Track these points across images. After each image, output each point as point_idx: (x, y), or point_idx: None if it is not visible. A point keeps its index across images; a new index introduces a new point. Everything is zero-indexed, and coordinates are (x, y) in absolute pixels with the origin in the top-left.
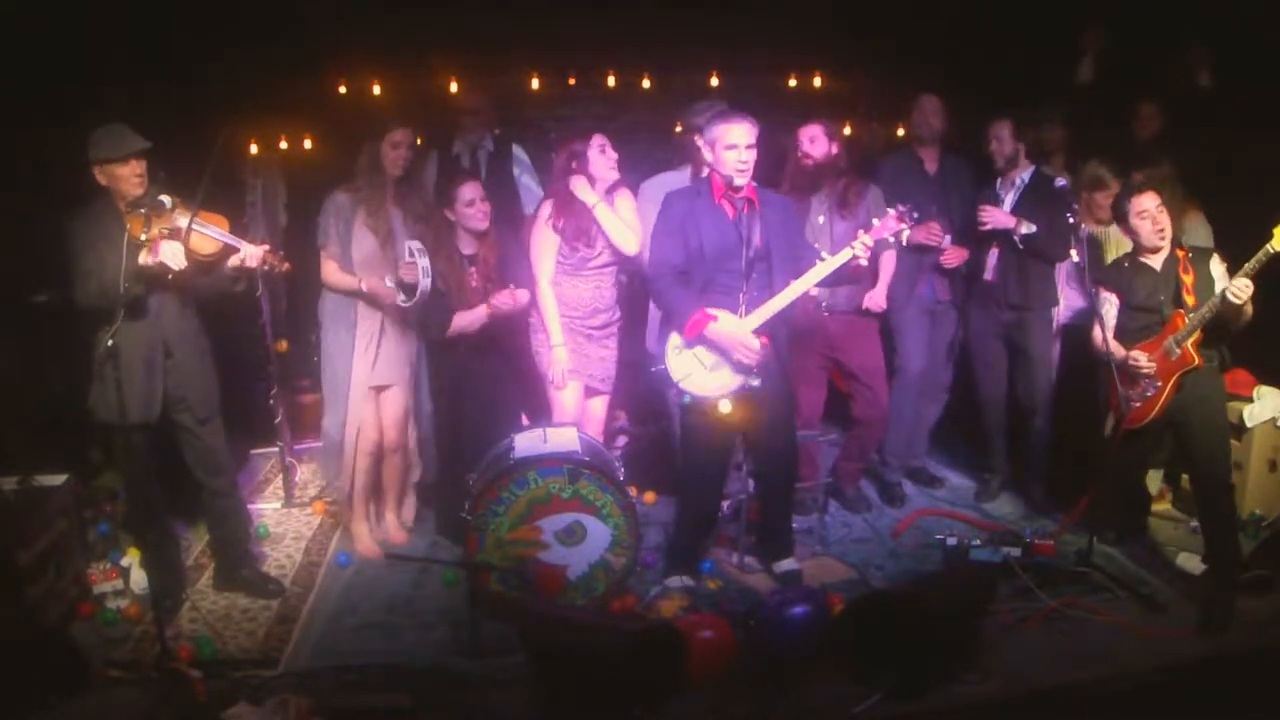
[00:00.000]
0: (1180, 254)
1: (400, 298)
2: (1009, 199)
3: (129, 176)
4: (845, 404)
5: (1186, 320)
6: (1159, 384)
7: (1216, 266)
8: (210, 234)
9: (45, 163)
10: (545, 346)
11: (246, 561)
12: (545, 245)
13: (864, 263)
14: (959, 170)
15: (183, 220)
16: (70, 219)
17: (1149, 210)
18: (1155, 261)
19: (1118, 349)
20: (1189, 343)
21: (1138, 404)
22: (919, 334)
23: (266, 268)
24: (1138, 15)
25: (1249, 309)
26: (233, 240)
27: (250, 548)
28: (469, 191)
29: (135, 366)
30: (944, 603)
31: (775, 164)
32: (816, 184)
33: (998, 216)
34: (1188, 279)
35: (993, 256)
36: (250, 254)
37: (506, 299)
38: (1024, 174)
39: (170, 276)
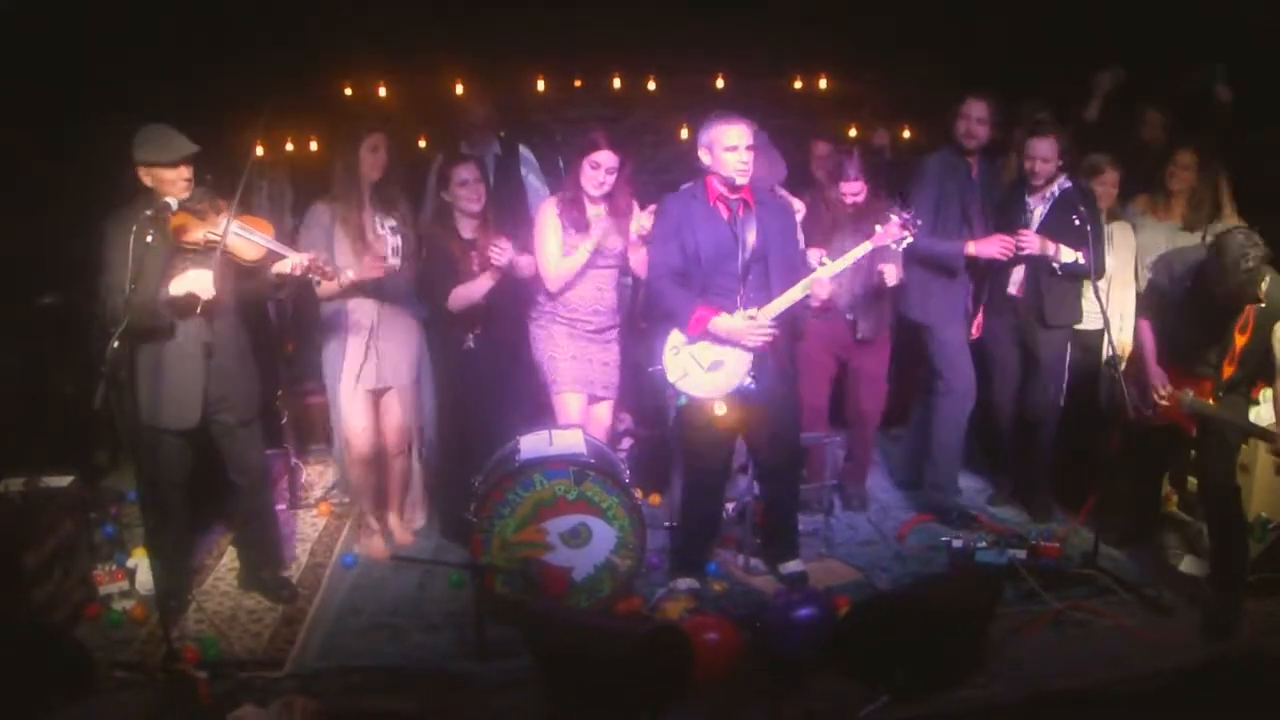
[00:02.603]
0: (1248, 309)
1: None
2: (1040, 211)
3: (176, 180)
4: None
5: (1214, 401)
6: (1160, 412)
7: None
8: (255, 240)
9: (53, 163)
10: (547, 355)
11: (269, 563)
12: (549, 226)
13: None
14: (994, 175)
15: (223, 224)
16: (107, 219)
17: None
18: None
19: (1152, 365)
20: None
21: (1148, 414)
22: (963, 351)
23: (312, 275)
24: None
25: None
26: (277, 246)
27: (276, 551)
28: (463, 172)
29: (176, 370)
30: (949, 605)
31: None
32: (858, 224)
33: (1035, 243)
34: (1240, 339)
35: (1019, 271)
36: (295, 261)
37: (505, 253)
38: (1056, 186)
39: (199, 310)
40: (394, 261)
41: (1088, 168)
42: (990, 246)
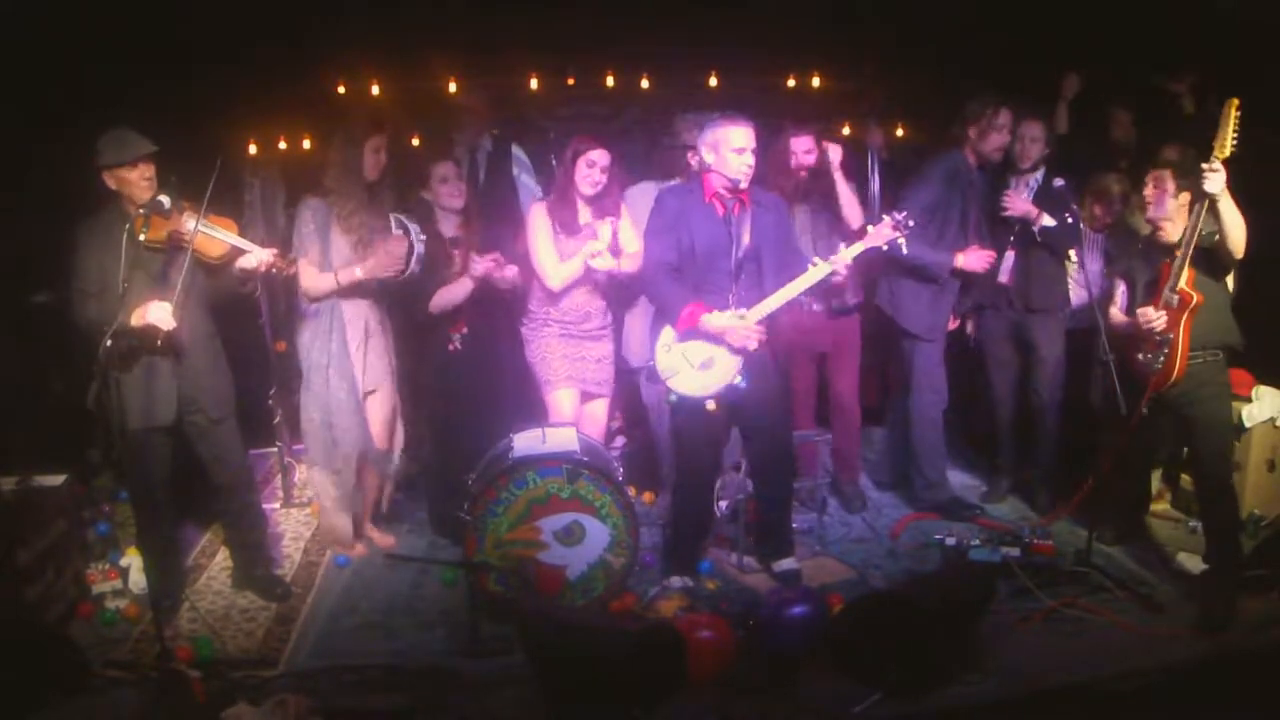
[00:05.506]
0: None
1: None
2: (1025, 197)
3: (138, 180)
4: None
5: (1174, 261)
6: (1170, 335)
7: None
8: (219, 236)
9: (45, 163)
10: (539, 356)
11: (260, 561)
12: (541, 229)
13: (842, 273)
14: (992, 185)
15: (191, 223)
16: (79, 226)
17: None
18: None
19: (1118, 317)
20: (1184, 283)
21: (1159, 367)
22: (941, 362)
23: (274, 271)
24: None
25: (1237, 234)
26: (241, 243)
27: (266, 549)
28: (442, 169)
29: (147, 370)
30: (943, 603)
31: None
32: (807, 193)
33: (1020, 204)
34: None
35: (1009, 259)
36: (258, 257)
37: (487, 264)
38: (1038, 175)
39: (160, 341)
40: (419, 248)
41: (1097, 189)
42: (978, 262)
